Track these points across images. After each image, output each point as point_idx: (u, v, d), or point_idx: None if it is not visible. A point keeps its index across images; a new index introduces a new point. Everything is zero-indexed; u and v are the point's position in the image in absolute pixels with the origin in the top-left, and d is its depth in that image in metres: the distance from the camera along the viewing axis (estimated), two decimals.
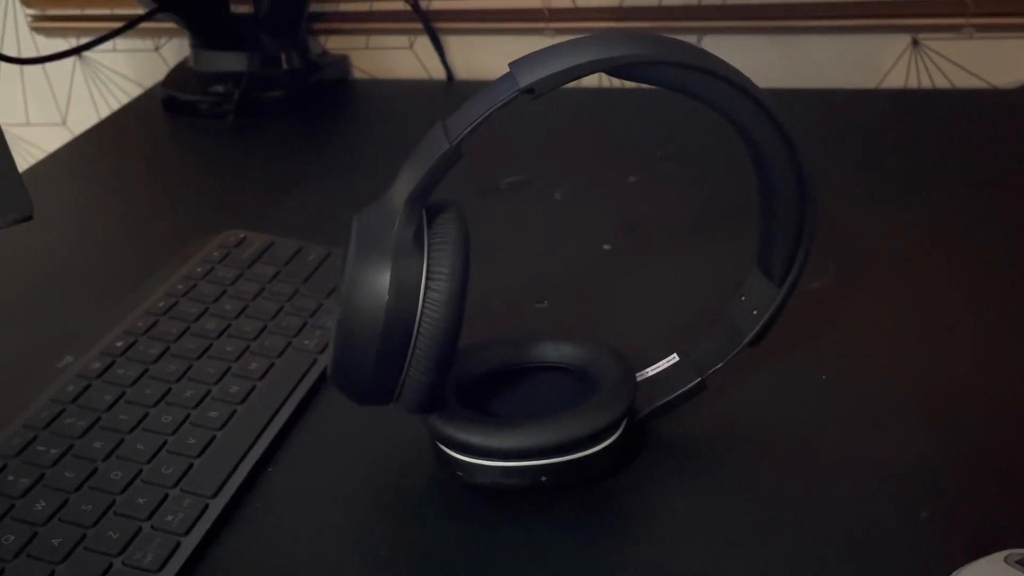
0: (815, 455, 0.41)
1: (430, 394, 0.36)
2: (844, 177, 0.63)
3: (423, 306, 0.34)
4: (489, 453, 0.37)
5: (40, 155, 0.76)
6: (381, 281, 0.33)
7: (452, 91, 0.84)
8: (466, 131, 0.33)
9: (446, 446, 0.38)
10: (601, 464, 0.38)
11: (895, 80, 0.78)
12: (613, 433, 0.38)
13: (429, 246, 0.34)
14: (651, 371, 0.41)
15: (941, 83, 0.78)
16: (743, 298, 0.41)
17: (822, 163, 0.64)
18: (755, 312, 0.40)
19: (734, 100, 0.35)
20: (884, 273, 0.53)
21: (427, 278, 0.34)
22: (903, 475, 0.39)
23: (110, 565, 0.36)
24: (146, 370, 0.46)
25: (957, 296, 0.51)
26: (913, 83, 0.78)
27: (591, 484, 0.39)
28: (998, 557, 0.33)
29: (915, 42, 0.77)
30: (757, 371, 0.45)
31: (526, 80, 0.32)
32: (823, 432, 0.42)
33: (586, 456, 0.38)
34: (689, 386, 0.40)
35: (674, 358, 0.41)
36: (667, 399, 0.41)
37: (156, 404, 0.44)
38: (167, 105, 0.81)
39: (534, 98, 0.33)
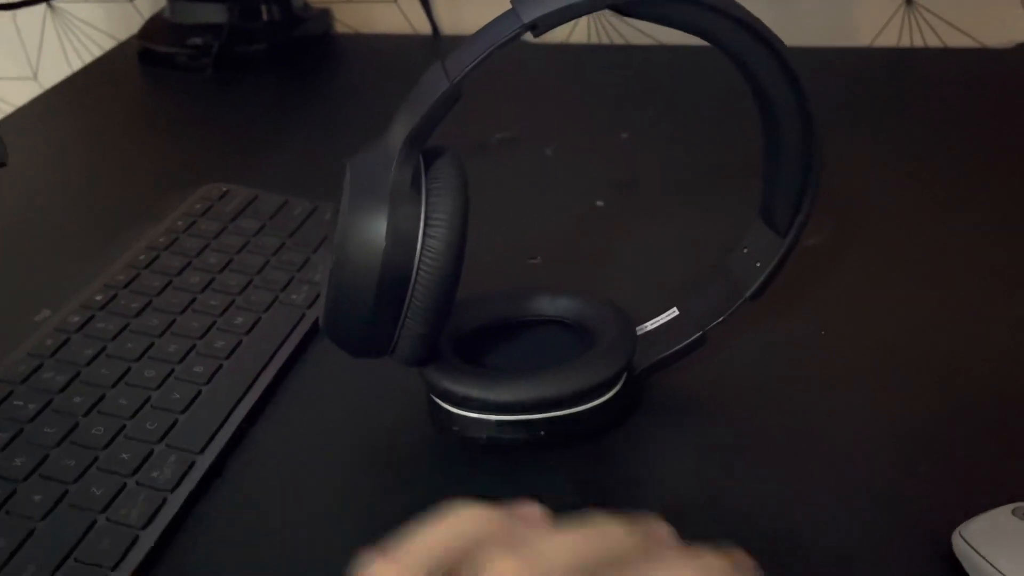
0: (814, 411, 0.40)
1: (427, 346, 0.35)
2: (838, 135, 0.62)
3: (421, 253, 0.33)
4: (486, 407, 0.36)
5: (9, 110, 0.74)
6: (377, 227, 0.32)
7: (438, 46, 0.82)
8: (467, 69, 0.32)
9: (442, 399, 0.37)
10: (600, 419, 0.38)
11: (888, 39, 0.77)
12: (612, 387, 0.37)
13: (427, 191, 0.33)
14: (650, 325, 0.41)
15: (933, 42, 0.77)
16: (745, 250, 0.40)
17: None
18: (758, 264, 0.39)
19: (742, 40, 0.33)
20: (881, 229, 0.52)
21: (425, 224, 0.33)
22: (905, 430, 0.39)
23: (93, 522, 0.35)
24: (128, 324, 0.44)
25: (956, 251, 0.50)
26: (906, 42, 0.77)
27: (589, 439, 0.38)
28: (1006, 510, 0.33)
29: (908, 1, 0.76)
30: (756, 327, 0.44)
31: (529, 15, 0.31)
32: (822, 388, 0.41)
33: (585, 410, 0.37)
34: (689, 340, 0.40)
35: (674, 312, 0.41)
36: (667, 353, 0.40)
37: (139, 359, 0.42)
38: (143, 58, 0.78)
39: (538, 35, 0.32)
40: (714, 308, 0.40)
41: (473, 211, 0.42)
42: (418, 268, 0.33)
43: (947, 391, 0.41)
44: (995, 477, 0.36)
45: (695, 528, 0.35)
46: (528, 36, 0.32)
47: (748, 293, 0.39)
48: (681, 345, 0.40)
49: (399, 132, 0.33)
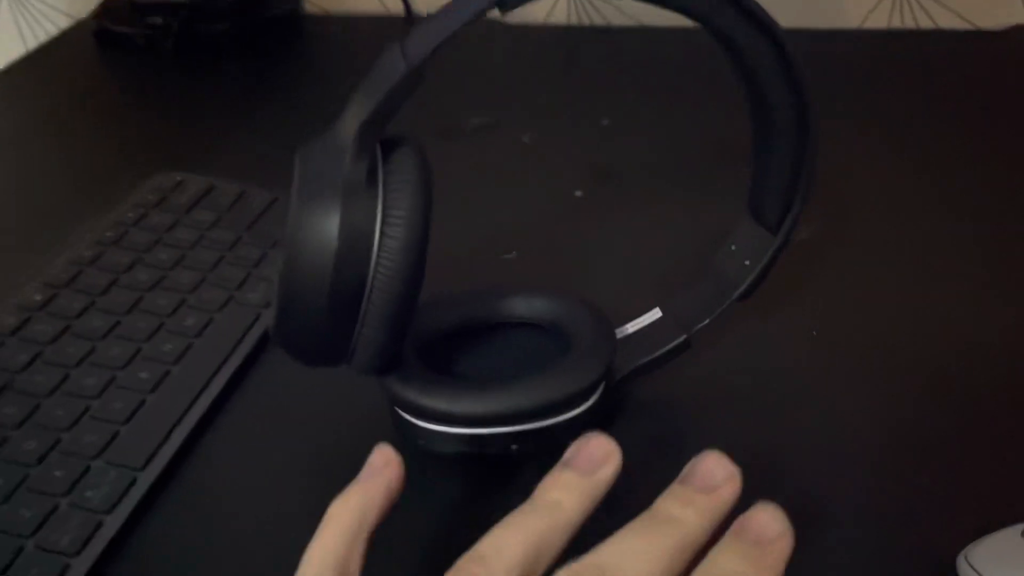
0: (806, 418, 0.37)
1: (387, 354, 0.32)
2: (826, 121, 0.60)
3: (378, 255, 0.30)
4: (453, 419, 0.33)
5: None
6: (329, 226, 0.29)
7: (410, 25, 0.78)
8: (428, 51, 0.28)
9: (405, 411, 0.34)
10: (577, 430, 0.34)
11: (878, 20, 0.75)
12: (590, 396, 0.35)
13: (385, 186, 0.30)
14: (631, 327, 0.38)
15: (925, 24, 0.74)
16: (733, 247, 0.37)
17: None
18: (747, 263, 0.36)
19: (735, 21, 0.30)
20: (873, 221, 0.50)
21: (382, 223, 0.30)
22: (905, 440, 0.36)
23: (21, 548, 0.31)
24: (68, 327, 0.41)
25: (951, 243, 0.48)
26: (896, 23, 0.75)
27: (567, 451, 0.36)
28: (1015, 531, 0.30)
29: None
30: (744, 327, 0.41)
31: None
32: (815, 393, 0.39)
33: (561, 422, 0.34)
34: (673, 344, 0.37)
35: (656, 313, 0.38)
36: (648, 358, 0.37)
37: (78, 364, 0.39)
38: (99, 38, 0.74)
39: (506, 11, 0.28)
40: (700, 309, 0.37)
41: (444, 202, 0.39)
42: (375, 271, 0.30)
43: (950, 397, 0.38)
44: (1004, 492, 0.34)
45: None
46: (496, 14, 0.29)
47: (736, 294, 0.36)
48: (664, 350, 0.37)
49: (353, 120, 0.29)
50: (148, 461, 0.35)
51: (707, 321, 0.37)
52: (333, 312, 0.30)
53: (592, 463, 0.25)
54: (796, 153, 0.34)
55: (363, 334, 0.31)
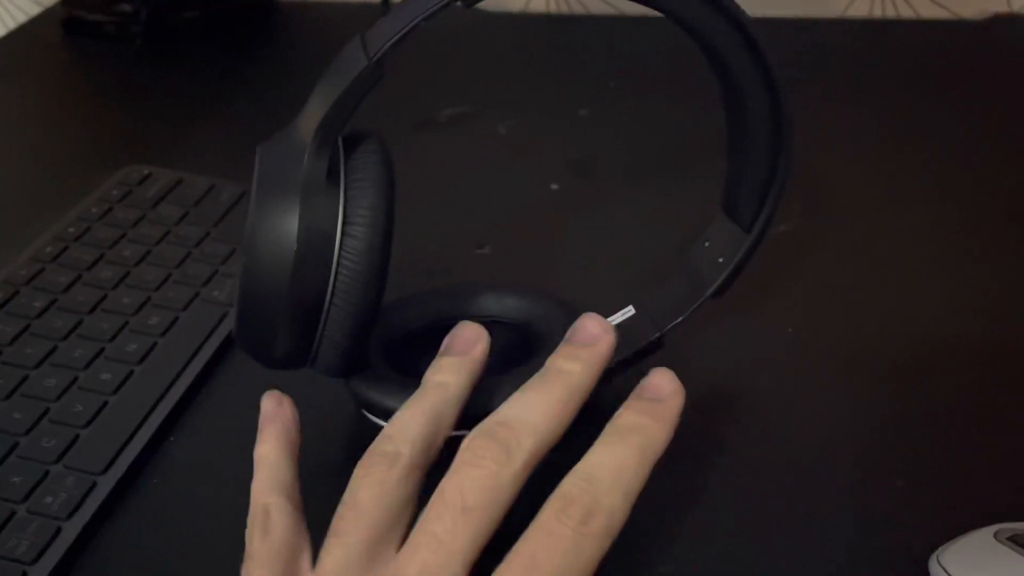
0: (780, 418, 0.37)
1: (350, 356, 0.31)
2: (807, 111, 0.59)
3: (339, 255, 0.29)
4: None
5: None
6: (288, 226, 0.28)
7: (388, 13, 0.77)
8: (388, 45, 0.28)
9: (372, 413, 0.34)
10: None
11: (860, 9, 0.74)
12: None
13: (346, 184, 0.29)
14: None
15: (907, 14, 0.74)
16: (707, 244, 0.37)
17: None
18: (720, 260, 0.36)
19: (700, 11, 0.30)
20: (853, 215, 0.49)
21: (343, 222, 0.29)
22: (878, 440, 0.36)
23: None
24: (27, 326, 0.40)
25: (934, 237, 0.47)
26: (878, 13, 0.74)
27: None
28: (987, 532, 0.30)
29: None
30: (718, 323, 0.41)
31: None
32: (789, 392, 0.38)
33: None
34: (645, 343, 0.36)
35: (629, 311, 0.37)
36: (620, 357, 0.36)
37: (37, 366, 0.38)
38: (67, 26, 0.73)
39: (469, 5, 0.28)
40: (673, 307, 0.36)
41: (416, 194, 0.38)
42: (336, 273, 0.29)
43: (926, 396, 0.38)
44: (977, 492, 0.33)
45: (648, 551, 0.32)
46: (459, 6, 0.28)
47: (709, 291, 0.36)
48: (636, 348, 0.36)
49: (312, 116, 0.29)
50: (109, 465, 0.34)
51: (680, 319, 0.36)
52: (293, 315, 0.29)
53: (467, 345, 0.30)
54: (770, 151, 0.33)
55: (325, 337, 0.30)
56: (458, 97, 0.62)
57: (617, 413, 0.27)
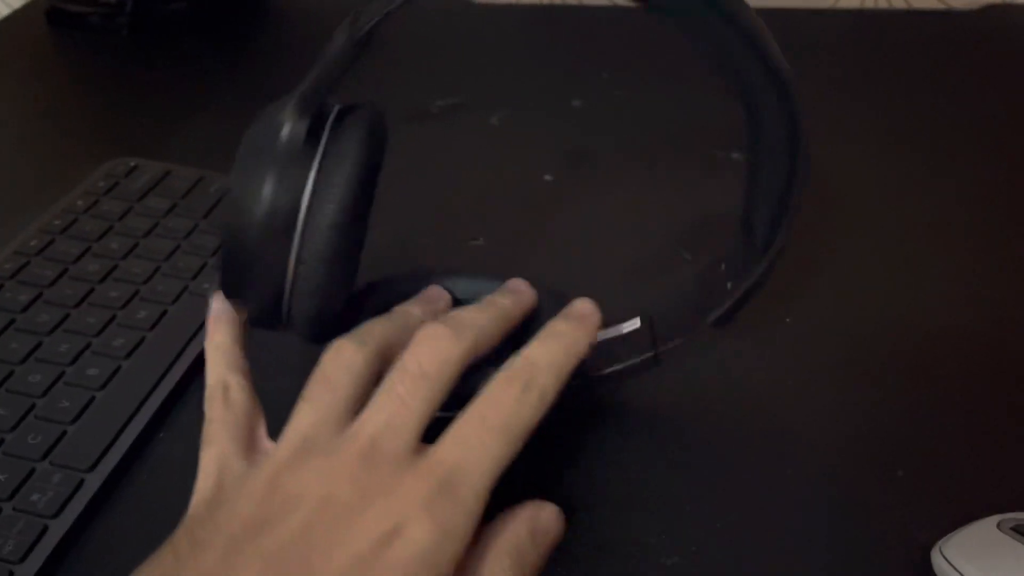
0: (780, 409, 0.37)
1: (322, 322, 0.31)
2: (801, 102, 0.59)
3: (304, 226, 0.29)
4: None
5: None
6: (258, 188, 0.28)
7: None
8: (375, 20, 0.27)
9: None
10: None
11: (851, 0, 0.74)
12: None
13: (323, 154, 0.29)
14: (601, 335, 0.35)
15: (898, 4, 0.74)
16: (723, 266, 0.35)
17: None
18: (729, 286, 0.34)
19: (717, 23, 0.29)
20: (849, 207, 0.49)
21: (313, 186, 0.29)
22: (880, 430, 0.35)
23: None
24: (12, 320, 0.39)
25: (931, 229, 0.47)
26: (869, 4, 0.74)
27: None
28: (990, 522, 0.30)
29: None
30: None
31: None
32: (788, 383, 0.38)
33: None
34: (640, 359, 0.35)
35: (635, 323, 0.36)
36: (616, 368, 0.35)
37: (23, 361, 0.37)
38: (52, 17, 0.72)
39: None
40: (677, 326, 0.35)
41: (410, 186, 0.37)
42: (300, 242, 0.29)
43: (929, 386, 0.37)
44: (980, 483, 0.33)
45: (652, 543, 0.31)
46: None
47: (711, 318, 0.34)
48: (632, 363, 0.35)
49: (300, 86, 0.29)
50: (96, 463, 0.33)
51: (678, 342, 0.35)
52: (261, 278, 0.29)
53: (432, 303, 0.33)
54: (785, 174, 0.32)
55: (294, 301, 0.30)
56: (450, 88, 0.61)
57: (550, 322, 0.30)
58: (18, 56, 0.69)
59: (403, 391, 0.27)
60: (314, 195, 0.29)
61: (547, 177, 0.52)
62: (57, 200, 0.47)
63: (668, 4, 0.29)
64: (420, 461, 0.26)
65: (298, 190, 0.29)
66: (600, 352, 0.35)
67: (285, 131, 0.29)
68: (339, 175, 0.29)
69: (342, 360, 0.28)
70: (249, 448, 0.28)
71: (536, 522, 0.28)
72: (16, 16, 0.74)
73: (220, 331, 0.31)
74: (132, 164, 0.50)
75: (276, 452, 0.27)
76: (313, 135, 0.29)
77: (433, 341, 0.28)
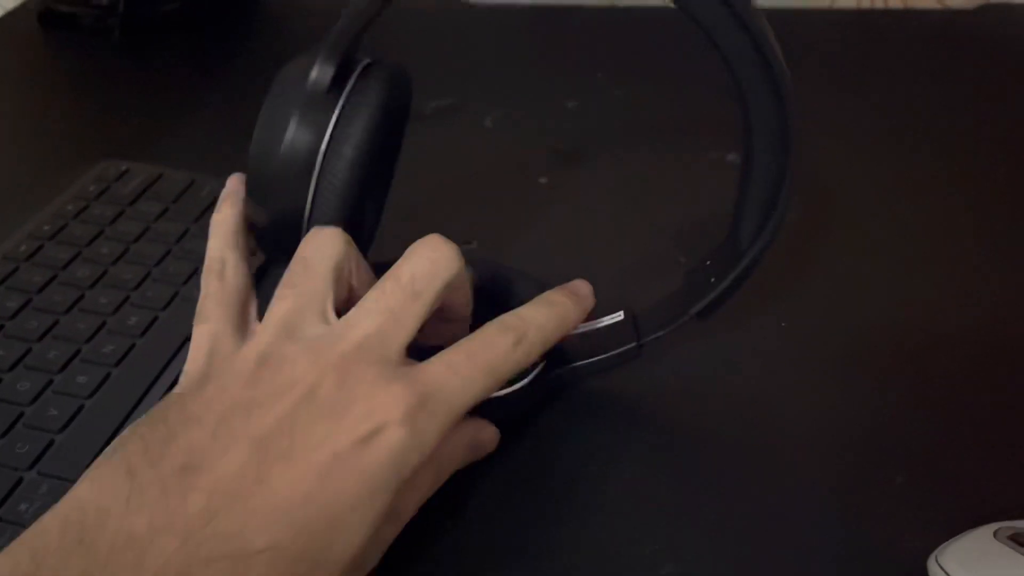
0: (774, 413, 0.36)
1: None
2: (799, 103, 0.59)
3: (320, 168, 0.30)
4: None
5: None
6: (279, 131, 0.30)
7: None
8: None
9: None
10: (508, 409, 0.33)
11: (848, 0, 0.74)
12: (518, 380, 0.33)
13: (346, 100, 0.31)
14: (583, 327, 0.36)
15: (895, 3, 0.73)
16: (708, 262, 0.36)
17: None
18: (712, 280, 0.35)
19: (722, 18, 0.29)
20: (845, 207, 0.49)
21: (332, 134, 0.30)
22: (875, 436, 0.35)
23: None
24: (1, 327, 0.39)
25: (929, 230, 0.47)
26: (866, 3, 0.74)
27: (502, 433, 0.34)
28: (987, 531, 0.29)
29: None
30: (710, 317, 0.40)
31: None
32: (783, 386, 0.38)
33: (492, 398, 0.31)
34: (623, 349, 0.36)
35: (619, 315, 0.36)
36: (598, 357, 0.36)
37: (11, 368, 0.37)
38: (43, 19, 0.71)
39: None
40: (659, 319, 0.36)
41: (402, 187, 0.37)
42: (316, 184, 0.30)
43: (925, 392, 0.37)
44: (977, 490, 0.33)
45: (648, 552, 0.31)
46: None
47: (693, 311, 0.35)
48: (614, 352, 0.36)
49: (327, 35, 0.31)
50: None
51: (661, 334, 0.36)
52: (278, 215, 0.31)
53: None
54: (774, 175, 0.32)
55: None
56: (444, 90, 0.60)
57: (548, 292, 0.32)
58: (9, 58, 0.68)
59: (396, 304, 0.28)
60: (333, 137, 0.30)
61: (542, 179, 0.52)
62: (47, 204, 0.46)
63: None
64: (407, 372, 0.27)
65: (320, 132, 0.30)
66: (584, 342, 0.35)
67: (312, 76, 0.30)
68: (359, 119, 0.30)
69: (321, 244, 0.29)
70: (240, 327, 0.29)
71: (478, 433, 0.32)
72: (8, 18, 0.74)
73: (226, 208, 0.32)
74: (124, 167, 0.49)
75: (260, 336, 0.28)
76: (338, 83, 0.31)
77: (429, 259, 0.29)
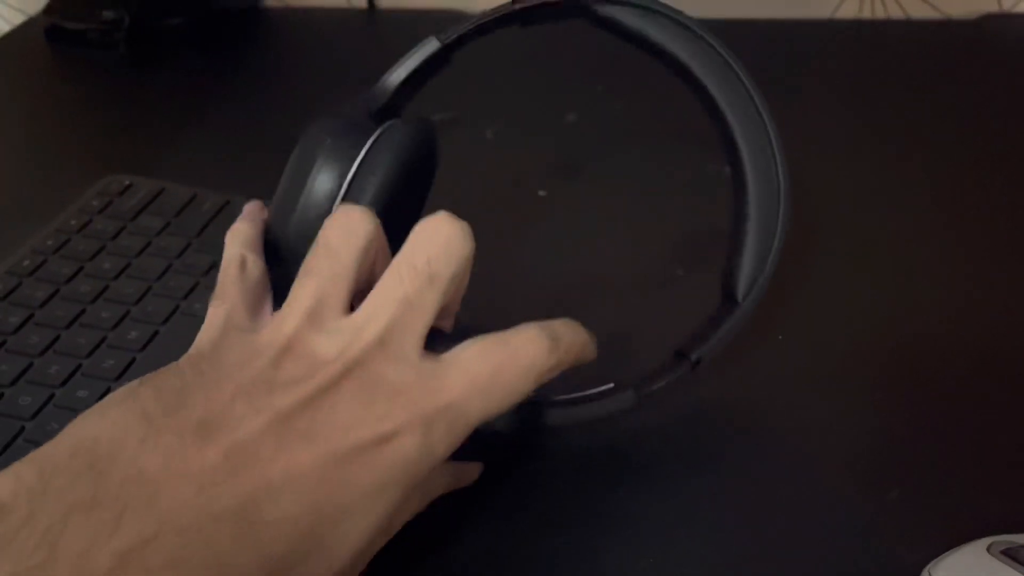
0: (771, 425, 0.36)
1: None
2: (797, 115, 0.59)
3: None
4: None
5: None
6: (298, 185, 0.31)
7: (374, 20, 0.76)
8: (460, 31, 0.34)
9: None
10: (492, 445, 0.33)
11: (848, 10, 0.74)
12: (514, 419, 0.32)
13: (362, 161, 0.31)
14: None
15: (896, 14, 0.73)
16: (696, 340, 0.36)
17: (772, 99, 0.59)
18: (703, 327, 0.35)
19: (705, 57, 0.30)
20: (844, 219, 0.49)
21: (344, 196, 0.30)
22: (870, 450, 0.35)
23: None
24: (3, 342, 0.39)
25: (926, 243, 0.47)
26: (867, 14, 0.74)
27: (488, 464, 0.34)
28: (980, 545, 0.29)
29: None
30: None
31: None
32: (779, 400, 0.38)
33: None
34: (618, 407, 0.34)
35: (609, 387, 0.34)
36: (588, 416, 0.34)
37: (13, 383, 0.37)
38: (50, 34, 0.72)
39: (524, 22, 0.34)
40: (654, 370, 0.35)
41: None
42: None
43: (919, 406, 0.37)
44: (971, 504, 0.33)
45: (642, 565, 0.31)
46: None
47: (692, 358, 0.35)
48: (608, 410, 0.34)
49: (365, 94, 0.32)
50: None
51: (657, 387, 0.34)
52: (283, 260, 0.31)
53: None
54: (766, 223, 0.33)
55: None
56: (444, 102, 0.61)
57: (553, 325, 0.29)
58: (17, 73, 0.69)
59: (413, 291, 0.27)
60: (347, 196, 0.30)
61: (541, 192, 0.52)
62: (52, 218, 0.47)
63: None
64: (429, 374, 0.27)
65: (332, 193, 0.30)
66: (577, 401, 0.34)
67: (337, 135, 0.31)
68: (371, 180, 0.31)
69: (349, 227, 0.28)
70: (257, 312, 0.29)
71: (462, 473, 0.32)
72: (15, 33, 0.75)
73: (244, 222, 0.32)
74: (127, 182, 0.50)
75: (283, 322, 0.27)
76: (358, 144, 0.31)
77: (446, 242, 0.28)
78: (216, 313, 0.29)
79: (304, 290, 0.28)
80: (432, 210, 0.49)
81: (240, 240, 0.31)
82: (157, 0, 0.71)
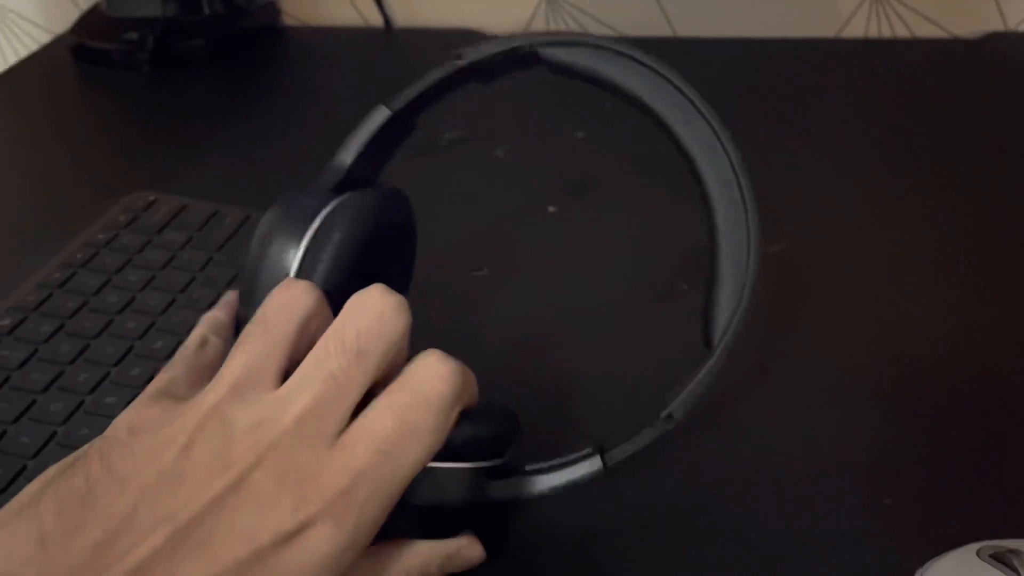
0: (764, 436, 0.38)
1: None
2: (802, 131, 0.60)
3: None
4: None
5: None
6: (254, 267, 0.31)
7: (390, 40, 0.78)
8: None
9: None
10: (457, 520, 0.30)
11: (855, 29, 0.75)
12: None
13: (313, 237, 0.31)
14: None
15: (902, 32, 0.75)
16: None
17: (778, 117, 0.61)
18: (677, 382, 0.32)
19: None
20: (846, 235, 0.50)
21: (298, 272, 0.31)
22: (864, 459, 0.36)
23: None
24: (35, 351, 0.41)
25: (926, 259, 0.48)
26: (873, 33, 0.75)
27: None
28: (970, 550, 0.30)
29: None
30: (697, 343, 0.41)
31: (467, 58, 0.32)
32: (774, 411, 0.39)
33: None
34: (588, 473, 0.31)
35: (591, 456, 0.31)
36: (556, 484, 0.31)
37: (44, 390, 0.39)
38: (77, 54, 0.74)
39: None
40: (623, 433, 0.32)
41: (417, 218, 0.39)
42: None
43: (911, 413, 0.38)
44: (961, 509, 0.34)
45: (643, 566, 0.32)
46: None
47: (665, 412, 0.32)
48: (577, 477, 0.31)
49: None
50: None
51: (628, 449, 0.31)
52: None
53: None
54: (738, 269, 0.32)
55: None
56: (455, 122, 0.63)
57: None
58: (44, 91, 0.71)
59: (337, 368, 0.26)
60: (301, 268, 0.30)
61: (551, 208, 0.53)
62: (79, 233, 0.49)
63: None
64: (338, 451, 0.25)
65: (286, 271, 0.30)
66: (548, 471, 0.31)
67: (287, 211, 0.31)
68: (322, 257, 0.31)
69: (286, 301, 0.28)
70: (198, 387, 0.27)
71: (458, 558, 0.29)
72: (44, 52, 0.77)
73: (218, 310, 0.33)
74: (151, 198, 0.52)
75: (208, 392, 0.26)
76: (310, 218, 0.31)
77: (376, 315, 0.26)
78: (157, 380, 0.29)
79: (233, 362, 0.27)
80: (441, 227, 0.52)
81: (209, 325, 0.32)
82: (180, 22, 0.73)
